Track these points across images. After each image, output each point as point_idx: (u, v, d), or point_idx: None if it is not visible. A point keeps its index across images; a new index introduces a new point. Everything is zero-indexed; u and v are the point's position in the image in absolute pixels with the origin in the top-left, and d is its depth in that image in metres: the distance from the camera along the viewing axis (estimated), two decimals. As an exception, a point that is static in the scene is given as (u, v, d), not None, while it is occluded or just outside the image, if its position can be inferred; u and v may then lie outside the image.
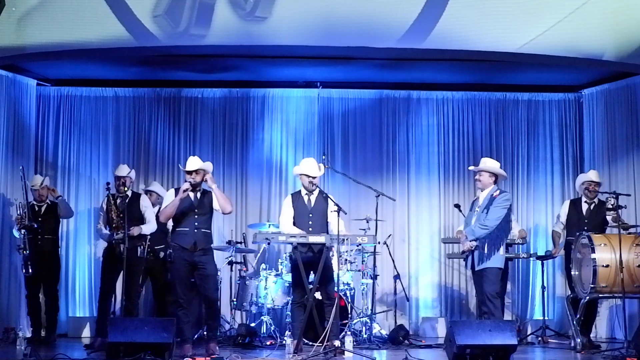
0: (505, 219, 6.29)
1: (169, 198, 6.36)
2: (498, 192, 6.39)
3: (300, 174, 6.64)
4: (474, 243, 6.26)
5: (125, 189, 7.02)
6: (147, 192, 7.75)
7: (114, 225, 6.93)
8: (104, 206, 7.10)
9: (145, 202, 7.20)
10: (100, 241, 7.76)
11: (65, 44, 7.26)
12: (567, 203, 7.61)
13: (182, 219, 6.28)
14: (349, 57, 7.98)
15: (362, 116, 8.97)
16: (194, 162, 6.34)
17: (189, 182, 6.25)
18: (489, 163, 6.55)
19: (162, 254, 7.62)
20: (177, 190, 6.36)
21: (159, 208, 7.24)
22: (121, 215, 6.87)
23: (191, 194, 6.32)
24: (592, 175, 7.47)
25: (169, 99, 8.89)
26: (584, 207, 7.38)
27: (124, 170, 7.29)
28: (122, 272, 6.96)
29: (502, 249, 6.29)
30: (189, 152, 8.78)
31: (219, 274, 7.56)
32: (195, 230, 6.26)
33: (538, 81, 8.88)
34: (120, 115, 8.82)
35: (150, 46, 7.27)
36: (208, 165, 6.44)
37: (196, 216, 6.29)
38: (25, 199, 7.25)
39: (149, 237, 7.12)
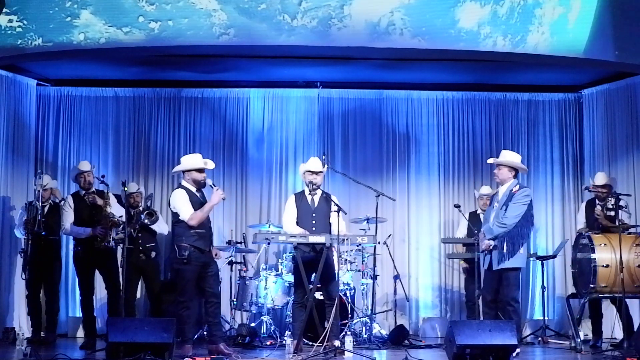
0: (526, 215, 6.18)
1: (184, 199, 6.19)
2: (517, 187, 6.28)
3: (304, 171, 6.66)
4: (492, 242, 6.19)
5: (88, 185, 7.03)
6: (134, 193, 7.69)
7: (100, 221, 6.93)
8: (71, 204, 7.04)
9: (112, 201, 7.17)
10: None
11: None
12: (583, 205, 7.58)
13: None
14: (349, 57, 7.98)
15: (362, 116, 8.97)
16: (200, 159, 6.42)
17: (214, 185, 6.32)
18: (508, 156, 6.43)
19: (153, 254, 7.61)
20: (184, 189, 6.28)
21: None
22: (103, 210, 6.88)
23: (198, 193, 6.35)
24: (596, 179, 7.38)
25: (169, 99, 8.89)
26: (597, 208, 7.28)
27: (85, 165, 7.19)
28: (103, 270, 7.07)
29: (522, 248, 6.19)
30: (189, 152, 8.76)
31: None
32: (210, 232, 6.38)
33: (538, 81, 8.88)
34: (120, 115, 8.82)
35: (150, 46, 7.27)
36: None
37: (208, 216, 6.34)
38: (40, 203, 7.24)
39: (119, 228, 7.03)
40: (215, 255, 6.59)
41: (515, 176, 6.39)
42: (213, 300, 6.35)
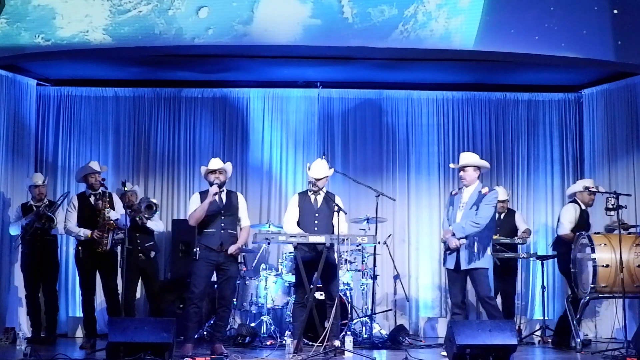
0: (493, 217, 6.23)
1: (195, 201, 6.39)
2: (486, 189, 6.29)
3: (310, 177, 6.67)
4: (464, 241, 6.16)
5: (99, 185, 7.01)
6: (128, 192, 7.66)
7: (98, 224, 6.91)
8: (75, 204, 6.99)
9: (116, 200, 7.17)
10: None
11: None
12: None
13: (209, 220, 6.33)
14: (349, 57, 7.98)
15: (362, 116, 8.97)
16: (217, 162, 6.45)
17: (216, 183, 6.31)
18: (471, 157, 6.43)
19: (153, 253, 7.58)
20: (202, 194, 6.41)
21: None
22: (101, 213, 6.87)
23: (216, 196, 6.38)
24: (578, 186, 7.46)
25: (169, 99, 8.90)
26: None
27: (96, 165, 7.15)
28: (102, 273, 7.05)
29: (489, 249, 6.20)
30: (189, 152, 8.80)
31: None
32: (222, 232, 6.33)
33: (538, 81, 8.88)
34: (120, 115, 8.83)
35: (150, 46, 7.28)
36: (229, 166, 6.55)
37: (223, 217, 6.35)
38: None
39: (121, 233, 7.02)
40: (231, 253, 6.36)
41: (479, 177, 6.38)
42: (221, 303, 6.41)
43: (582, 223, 7.21)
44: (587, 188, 7.34)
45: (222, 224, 6.34)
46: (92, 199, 7.00)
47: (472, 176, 6.33)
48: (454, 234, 6.21)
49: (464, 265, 6.16)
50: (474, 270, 6.16)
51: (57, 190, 8.45)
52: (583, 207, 7.25)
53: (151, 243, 7.63)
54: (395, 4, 7.18)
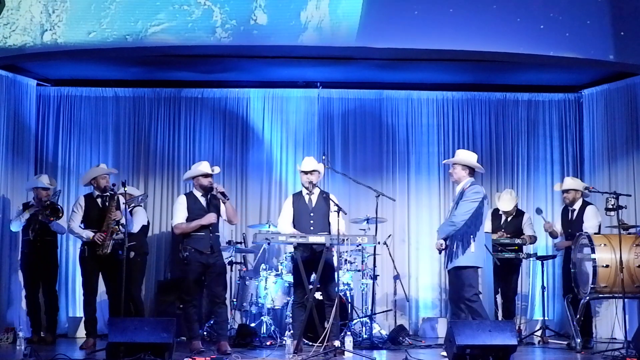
0: (476, 213, 6.01)
1: (182, 203, 6.44)
2: (469, 185, 6.15)
3: (300, 172, 6.67)
4: (442, 241, 6.13)
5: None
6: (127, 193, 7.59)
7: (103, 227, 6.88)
8: (81, 204, 6.97)
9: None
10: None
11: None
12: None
13: None
14: (349, 57, 7.98)
15: (362, 116, 8.97)
16: (208, 165, 6.53)
17: (216, 196, 6.41)
18: (462, 155, 6.35)
19: (132, 254, 7.51)
20: (187, 195, 6.48)
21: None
22: (109, 215, 6.85)
23: (202, 199, 6.47)
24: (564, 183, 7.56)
25: (169, 99, 8.90)
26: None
27: (106, 168, 7.20)
28: (105, 274, 7.03)
29: (474, 246, 5.98)
30: (189, 152, 8.80)
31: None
32: (211, 234, 6.42)
33: (538, 81, 8.88)
34: (120, 115, 8.83)
35: (150, 46, 7.28)
36: (217, 169, 6.68)
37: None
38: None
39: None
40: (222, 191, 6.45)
41: (472, 175, 6.22)
42: (215, 300, 6.46)
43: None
44: (586, 188, 7.38)
45: (210, 227, 6.42)
46: (99, 200, 6.99)
47: (459, 174, 6.20)
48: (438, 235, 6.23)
49: (448, 266, 6.13)
50: (456, 269, 6.06)
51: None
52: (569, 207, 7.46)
53: (132, 243, 7.52)
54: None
